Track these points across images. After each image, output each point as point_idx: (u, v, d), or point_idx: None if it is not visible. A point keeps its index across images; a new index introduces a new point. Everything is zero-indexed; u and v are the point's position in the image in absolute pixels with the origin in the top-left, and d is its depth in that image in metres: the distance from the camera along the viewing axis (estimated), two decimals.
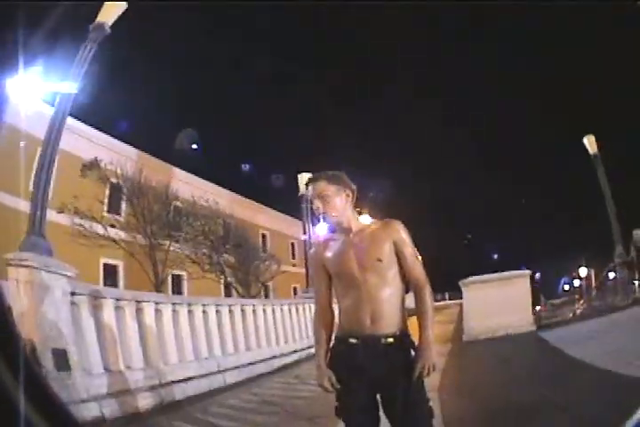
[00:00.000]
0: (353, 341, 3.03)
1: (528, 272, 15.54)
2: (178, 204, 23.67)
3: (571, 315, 18.77)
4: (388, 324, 3.01)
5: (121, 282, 23.79)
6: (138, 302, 8.44)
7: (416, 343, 3.05)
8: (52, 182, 7.97)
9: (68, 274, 7.11)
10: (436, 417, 5.73)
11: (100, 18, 8.68)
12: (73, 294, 7.15)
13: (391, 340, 2.99)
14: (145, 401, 7.47)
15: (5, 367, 1.76)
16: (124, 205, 22.50)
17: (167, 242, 21.01)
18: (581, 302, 23.45)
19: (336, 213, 3.12)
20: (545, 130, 51.48)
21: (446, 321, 21.47)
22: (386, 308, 3.02)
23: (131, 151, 24.94)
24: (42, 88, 8.07)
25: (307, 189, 3.25)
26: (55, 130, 8.07)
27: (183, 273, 24.54)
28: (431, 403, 3.02)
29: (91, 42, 8.53)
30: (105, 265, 23.19)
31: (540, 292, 23.73)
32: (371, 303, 3.00)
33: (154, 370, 8.14)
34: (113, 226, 20.58)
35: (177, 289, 25.70)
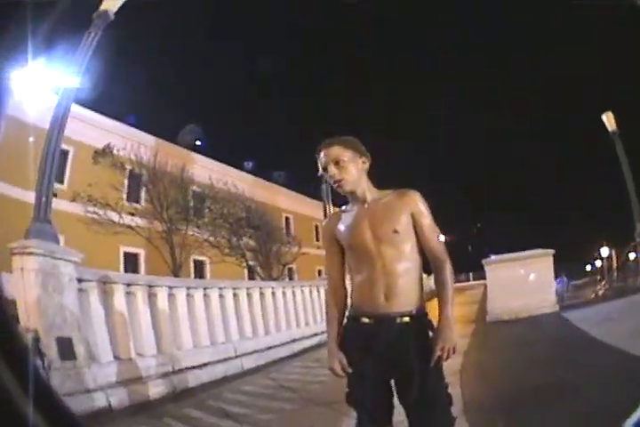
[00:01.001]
0: (365, 320, 2.83)
1: (551, 251, 15.18)
2: (195, 188, 23.68)
3: (593, 296, 18.60)
4: (405, 302, 2.79)
5: (142, 270, 23.90)
6: (150, 286, 8.29)
7: (435, 324, 2.83)
8: (55, 170, 7.82)
9: (74, 260, 6.93)
10: (456, 403, 5.67)
11: (104, 6, 8.54)
12: (80, 280, 7.00)
13: (407, 319, 2.77)
14: (156, 389, 7.34)
15: (4, 363, 1.65)
16: (142, 193, 22.51)
17: (184, 227, 20.92)
18: (603, 282, 23.20)
19: (352, 179, 2.90)
20: (561, 108, 50.86)
21: (470, 302, 21.23)
22: (402, 284, 2.80)
23: (143, 137, 24.83)
24: (46, 78, 8.03)
25: (319, 155, 2.98)
26: (60, 117, 7.96)
27: (205, 258, 24.50)
28: (450, 389, 2.81)
29: (95, 29, 8.38)
30: (125, 254, 23.32)
31: (562, 271, 23.54)
32: (385, 278, 2.79)
33: (167, 357, 8.02)
34: (132, 214, 20.61)
35: (199, 274, 25.79)
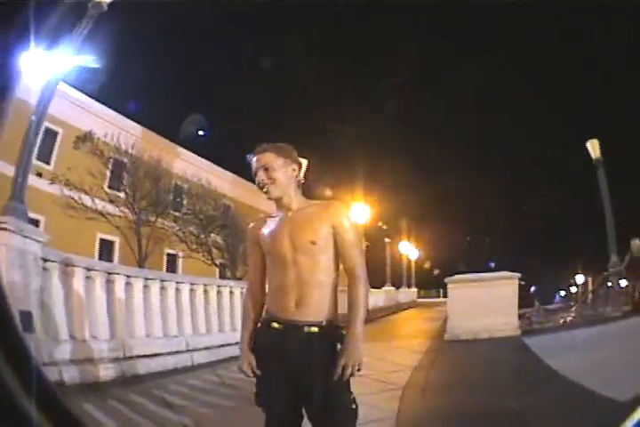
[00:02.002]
0: (275, 325, 2.88)
1: (517, 275, 15.15)
2: (169, 181, 23.66)
3: (561, 321, 18.63)
4: (315, 311, 2.83)
5: (116, 257, 23.92)
6: (109, 273, 8.48)
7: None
8: (32, 151, 7.97)
9: (41, 240, 7.22)
10: (389, 419, 5.80)
11: None
12: (45, 260, 7.25)
13: (315, 329, 2.81)
14: (106, 372, 7.54)
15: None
16: (118, 181, 22.31)
17: (154, 218, 21.04)
18: (573, 309, 23.29)
19: (279, 186, 2.95)
20: (545, 134, 50.86)
21: (435, 318, 21.49)
22: (314, 293, 2.84)
23: (129, 124, 24.92)
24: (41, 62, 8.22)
25: (253, 159, 3.02)
26: (44, 99, 8.16)
27: (179, 253, 24.42)
28: (354, 405, 2.81)
29: (88, 19, 8.58)
30: (101, 240, 23.34)
31: (536, 296, 23.60)
32: (298, 287, 2.84)
33: (119, 342, 8.19)
34: (112, 201, 20.60)
35: (171, 268, 25.71)
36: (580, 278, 39.96)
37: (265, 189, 2.96)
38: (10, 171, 8.12)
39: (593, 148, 18.79)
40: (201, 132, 27.58)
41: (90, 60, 9.25)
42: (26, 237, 6.90)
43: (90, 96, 22.82)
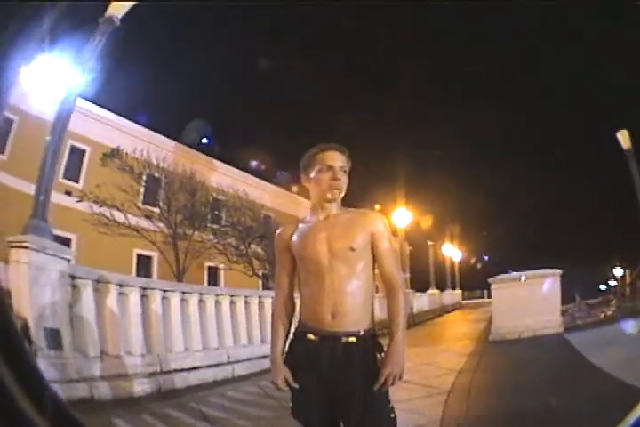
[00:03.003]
0: (311, 336, 2.77)
1: (558, 271, 14.96)
2: (205, 193, 23.35)
3: (602, 316, 18.36)
4: (352, 321, 2.73)
5: (155, 273, 24.01)
6: (144, 288, 8.39)
7: (384, 347, 2.76)
8: (55, 168, 7.98)
9: (66, 257, 7.18)
10: (433, 423, 5.67)
11: (110, 11, 8.69)
12: (74, 277, 7.21)
13: (353, 339, 2.70)
14: (140, 387, 7.45)
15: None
16: (152, 196, 22.31)
17: (191, 231, 20.95)
18: (612, 303, 22.97)
19: (344, 191, 2.91)
20: (575, 124, 50.12)
21: (479, 319, 21.26)
22: (351, 302, 2.73)
23: (158, 139, 25.00)
24: (57, 76, 8.24)
25: (325, 153, 2.91)
26: (63, 115, 8.11)
27: (220, 265, 24.29)
28: (393, 415, 2.73)
29: (100, 35, 8.56)
30: (139, 256, 23.46)
31: (576, 291, 23.33)
32: (334, 296, 2.72)
33: (155, 357, 8.10)
34: (148, 217, 20.61)
35: (213, 281, 25.72)
36: (618, 271, 39.32)
37: (337, 191, 2.89)
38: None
39: (623, 138, 18.46)
40: (204, 140, 27.55)
41: (105, 74, 9.24)
42: (50, 254, 6.89)
43: (114, 112, 23.06)
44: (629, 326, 8.60)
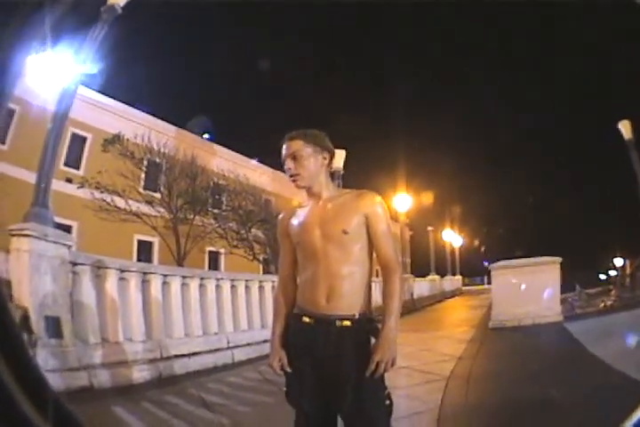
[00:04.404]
0: (306, 319, 2.78)
1: (558, 259, 14.94)
2: (206, 178, 23.36)
3: (602, 305, 18.39)
4: (347, 304, 2.71)
5: (155, 258, 24.06)
6: (144, 273, 8.38)
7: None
8: (55, 155, 7.96)
9: (68, 243, 7.15)
10: (431, 411, 5.69)
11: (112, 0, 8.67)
12: (74, 264, 7.21)
13: (348, 323, 2.69)
14: (140, 374, 7.44)
15: None
16: (152, 181, 22.35)
17: (192, 216, 20.98)
18: (612, 293, 23.02)
19: (308, 175, 2.85)
20: (576, 115, 49.90)
21: (479, 306, 21.32)
22: (346, 286, 2.72)
23: (159, 124, 25.09)
24: (60, 66, 8.23)
25: (282, 147, 2.91)
26: (63, 103, 8.11)
27: (221, 249, 24.40)
28: (389, 401, 2.70)
29: (102, 23, 8.54)
30: (139, 241, 23.52)
31: (576, 280, 23.39)
32: (328, 279, 2.72)
33: (155, 343, 8.10)
34: (149, 202, 20.58)
35: (214, 265, 25.86)
36: (618, 262, 39.30)
37: (293, 179, 2.87)
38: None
39: (625, 128, 18.38)
40: (206, 136, 27.57)
41: (106, 62, 9.23)
42: (51, 241, 6.88)
43: (115, 99, 23.06)
44: (631, 339, 8.56)
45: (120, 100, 23.67)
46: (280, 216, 3.14)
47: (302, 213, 2.94)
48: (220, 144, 28.70)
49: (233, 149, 29.28)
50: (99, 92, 21.44)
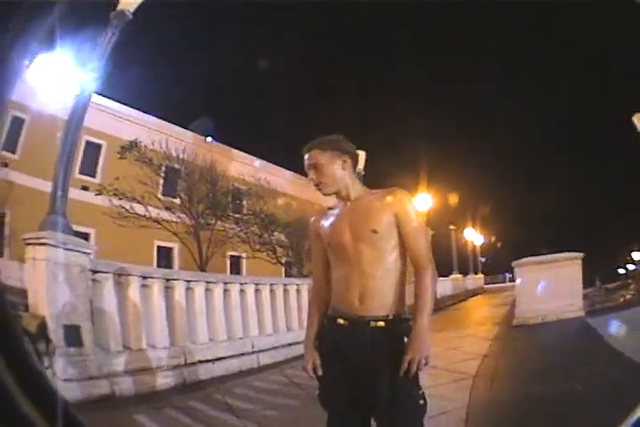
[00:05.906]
0: (341, 321, 2.77)
1: (580, 255, 14.76)
2: (228, 183, 23.50)
3: (621, 300, 18.24)
4: (380, 305, 2.71)
5: (176, 264, 24.11)
6: (167, 280, 8.33)
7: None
8: (71, 163, 7.92)
9: (87, 251, 7.08)
10: (459, 410, 5.63)
11: (122, 5, 8.63)
12: (95, 271, 7.14)
13: (382, 323, 2.68)
14: (164, 380, 7.39)
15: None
16: (172, 187, 22.41)
17: (213, 221, 20.95)
18: (631, 287, 22.86)
19: (332, 182, 2.88)
20: (590, 109, 49.62)
21: (502, 304, 21.17)
22: (378, 286, 2.71)
23: (175, 130, 25.19)
24: (69, 73, 8.23)
25: (304, 159, 2.95)
26: (77, 111, 8.06)
27: (243, 254, 24.46)
28: (423, 401, 2.68)
29: (112, 29, 8.48)
30: (159, 247, 23.57)
31: (596, 275, 23.29)
32: (361, 280, 2.72)
33: (179, 349, 8.04)
34: (168, 208, 20.59)
35: (236, 270, 25.97)
36: (637, 256, 39.00)
37: (318, 188, 2.92)
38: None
39: (639, 122, 18.20)
40: (209, 139, 27.50)
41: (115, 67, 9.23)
42: (69, 249, 6.80)
43: (131, 106, 23.14)
44: None
45: (134, 107, 23.84)
46: (312, 219, 3.16)
47: (332, 215, 2.97)
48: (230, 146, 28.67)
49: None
50: (111, 99, 21.52)
